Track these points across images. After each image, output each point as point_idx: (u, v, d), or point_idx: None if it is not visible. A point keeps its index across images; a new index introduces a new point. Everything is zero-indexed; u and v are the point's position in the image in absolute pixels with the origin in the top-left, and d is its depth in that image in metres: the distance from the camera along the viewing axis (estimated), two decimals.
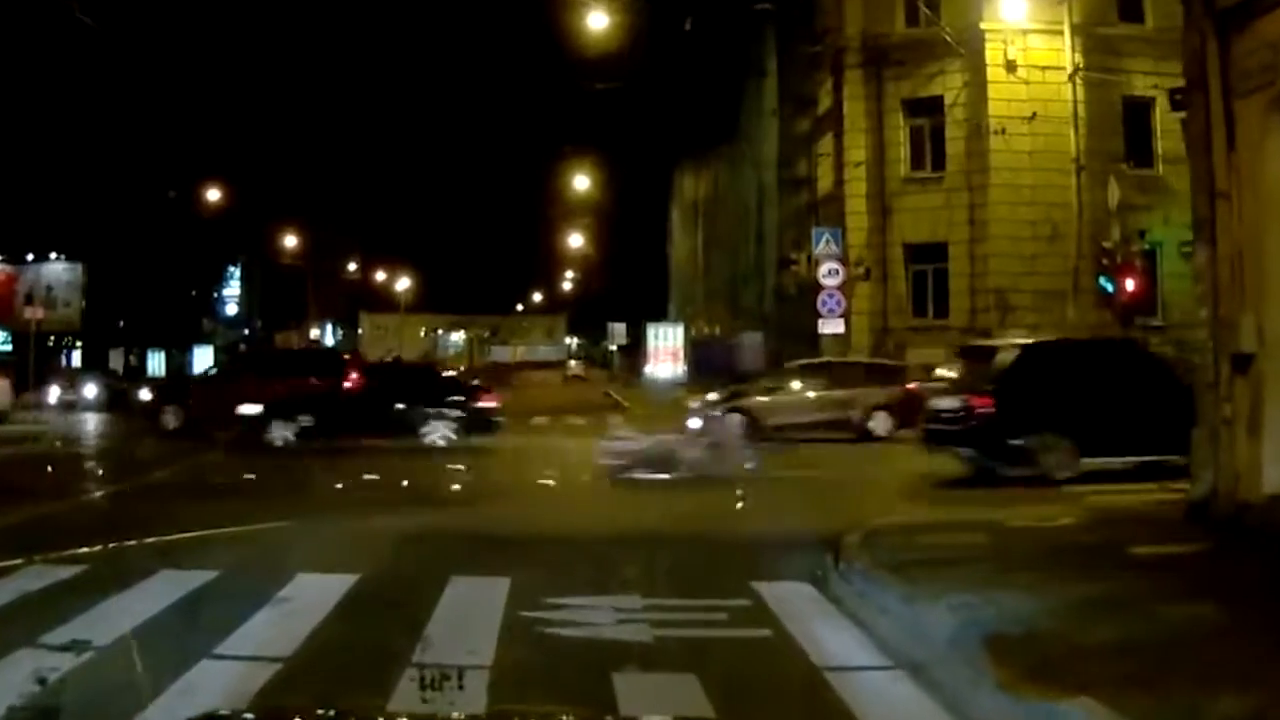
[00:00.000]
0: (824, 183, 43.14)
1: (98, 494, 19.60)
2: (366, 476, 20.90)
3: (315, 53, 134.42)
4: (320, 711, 3.88)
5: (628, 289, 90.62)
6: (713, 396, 31.45)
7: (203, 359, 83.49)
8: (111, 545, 12.75)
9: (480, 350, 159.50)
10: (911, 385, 30.39)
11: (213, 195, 75.10)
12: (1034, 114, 37.26)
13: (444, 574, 11.15)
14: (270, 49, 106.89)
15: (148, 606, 9.78)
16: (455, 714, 7.06)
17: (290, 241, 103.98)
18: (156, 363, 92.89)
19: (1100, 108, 37.70)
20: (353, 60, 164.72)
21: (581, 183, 68.94)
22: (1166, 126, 36.22)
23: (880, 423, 29.94)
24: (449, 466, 22.96)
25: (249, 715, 5.12)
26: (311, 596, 10.32)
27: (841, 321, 38.12)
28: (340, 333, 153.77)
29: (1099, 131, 37.54)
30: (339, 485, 20.04)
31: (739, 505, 16.88)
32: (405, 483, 20.58)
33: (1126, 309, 33.77)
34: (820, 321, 37.82)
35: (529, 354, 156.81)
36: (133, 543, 13.01)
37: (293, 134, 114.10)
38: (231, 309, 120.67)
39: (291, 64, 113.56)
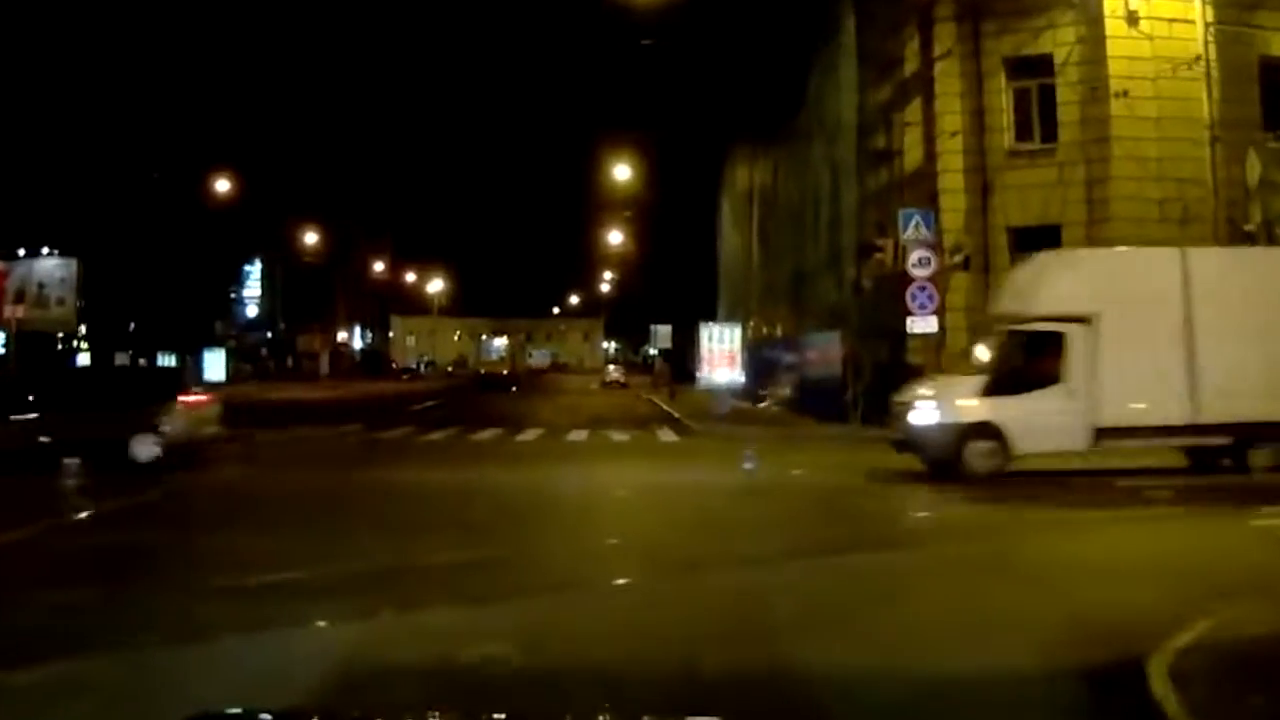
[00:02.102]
0: (911, 157, 37.99)
1: None
2: None
3: (337, 38, 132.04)
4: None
5: (671, 289, 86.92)
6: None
7: (214, 364, 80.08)
8: None
9: (521, 355, 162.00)
10: None
11: (222, 186, 71.41)
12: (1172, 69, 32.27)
13: None
14: (289, 31, 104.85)
15: None
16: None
17: (311, 239, 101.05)
18: None
19: (1236, 68, 32.92)
20: (377, 45, 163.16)
21: (622, 173, 65.33)
22: None
23: None
24: None
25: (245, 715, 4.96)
26: None
27: (934, 319, 33.32)
28: (370, 336, 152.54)
29: (1235, 96, 32.78)
30: None
31: None
32: None
33: None
34: (909, 319, 33.16)
35: (538, 359, 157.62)
36: None
37: (311, 123, 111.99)
38: (252, 310, 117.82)
39: (311, 49, 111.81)
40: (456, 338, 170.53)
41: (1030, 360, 22.14)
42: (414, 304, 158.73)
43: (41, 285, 60.97)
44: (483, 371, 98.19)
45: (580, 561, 13.79)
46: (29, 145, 57.53)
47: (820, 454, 27.52)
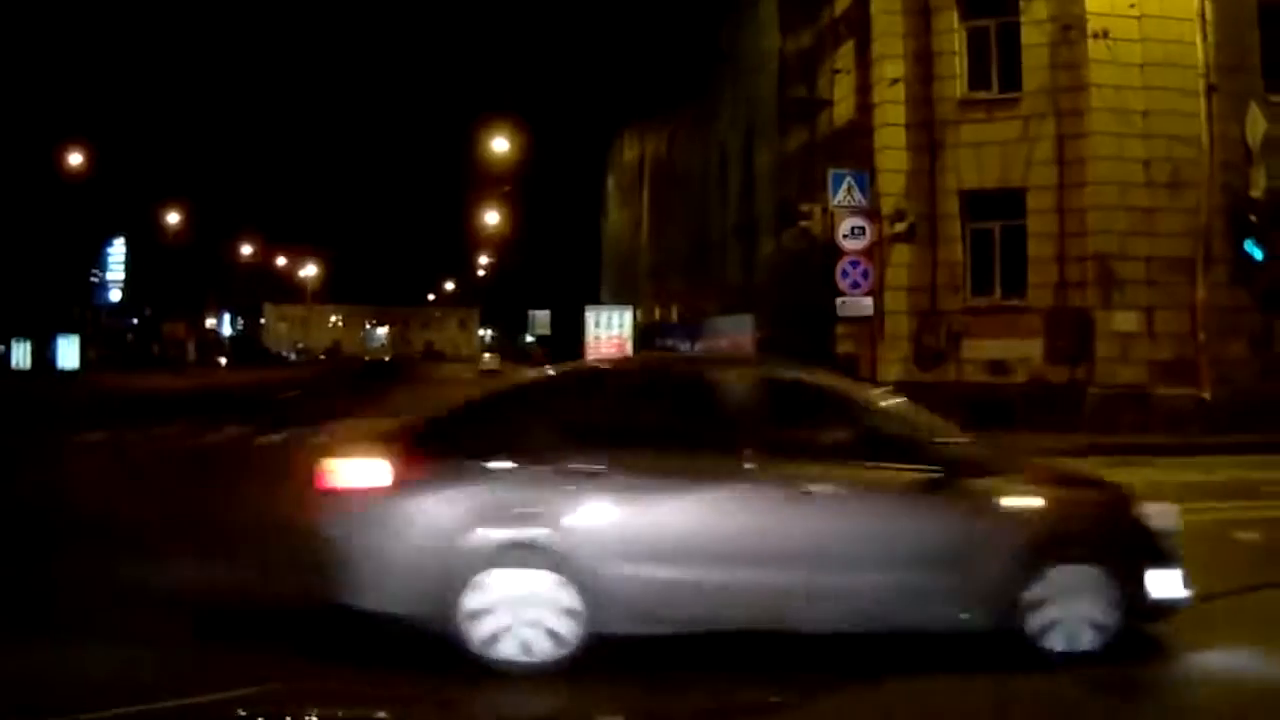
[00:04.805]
0: (843, 109, 32.58)
1: None
2: None
3: (204, 11, 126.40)
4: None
5: (552, 273, 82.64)
6: None
7: (68, 351, 73.70)
8: None
9: (398, 343, 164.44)
10: None
11: (75, 159, 66.73)
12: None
13: None
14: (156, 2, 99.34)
15: None
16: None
17: (175, 219, 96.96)
18: (21, 354, 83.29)
19: (1234, 11, 27.89)
20: (245, 19, 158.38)
21: (500, 146, 61.14)
22: None
23: None
24: None
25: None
26: None
27: (869, 300, 28.66)
28: (242, 323, 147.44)
29: (1233, 42, 27.73)
30: None
31: None
32: None
33: (1275, 284, 26.37)
34: (839, 300, 28.59)
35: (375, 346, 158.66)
36: None
37: (176, 99, 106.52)
38: (115, 295, 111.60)
39: (176, 22, 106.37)
40: (330, 324, 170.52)
41: None
42: (287, 291, 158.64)
43: None
44: (366, 359, 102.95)
45: None
46: None
47: None
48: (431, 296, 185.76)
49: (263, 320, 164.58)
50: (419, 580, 8.05)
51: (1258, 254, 25.89)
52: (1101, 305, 27.20)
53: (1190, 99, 27.13)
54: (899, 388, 28.22)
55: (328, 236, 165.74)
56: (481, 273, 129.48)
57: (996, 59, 29.30)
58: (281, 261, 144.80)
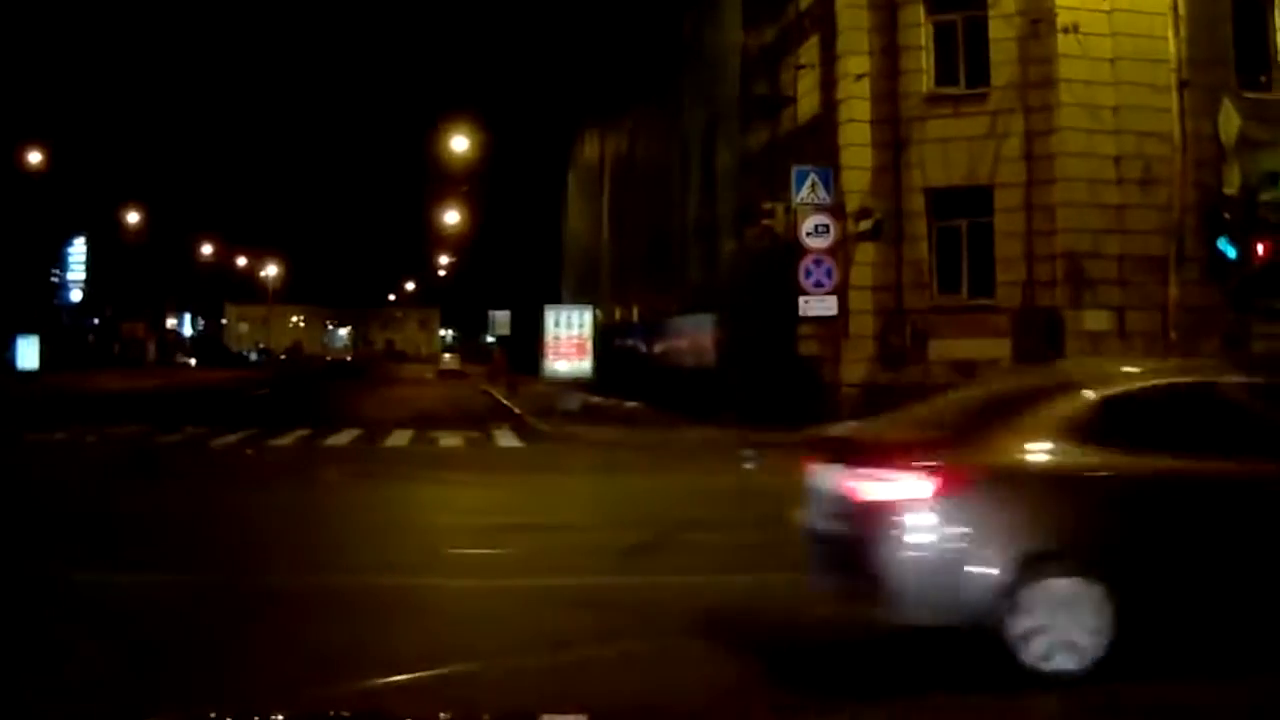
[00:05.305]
0: (807, 105, 31.76)
1: None
2: None
3: (163, 11, 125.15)
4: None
5: (513, 273, 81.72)
6: None
7: (28, 351, 72.91)
8: None
9: (359, 343, 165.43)
10: None
11: (34, 158, 66.41)
12: None
13: None
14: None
15: None
16: (443, 714, 7.04)
17: (135, 218, 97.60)
18: None
19: (1207, 3, 27.30)
20: (203, 21, 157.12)
21: (460, 145, 60.71)
22: None
23: None
24: None
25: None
26: None
27: (833, 299, 27.84)
28: (202, 323, 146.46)
29: (1205, 37, 27.15)
30: None
31: None
32: None
33: (1249, 283, 24.89)
34: (802, 300, 27.76)
35: (337, 346, 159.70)
36: None
37: (136, 100, 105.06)
38: (76, 295, 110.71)
39: (135, 23, 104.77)
40: (292, 324, 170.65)
41: None
42: (248, 291, 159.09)
43: None
44: (329, 359, 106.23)
45: None
46: None
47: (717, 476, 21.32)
48: (392, 296, 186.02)
49: (224, 320, 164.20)
50: (965, 592, 7.89)
51: (1231, 252, 25.00)
52: (1071, 304, 26.57)
53: (1162, 94, 26.62)
54: (863, 389, 27.89)
55: (288, 236, 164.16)
56: (442, 272, 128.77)
57: (964, 54, 28.61)
58: (242, 261, 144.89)
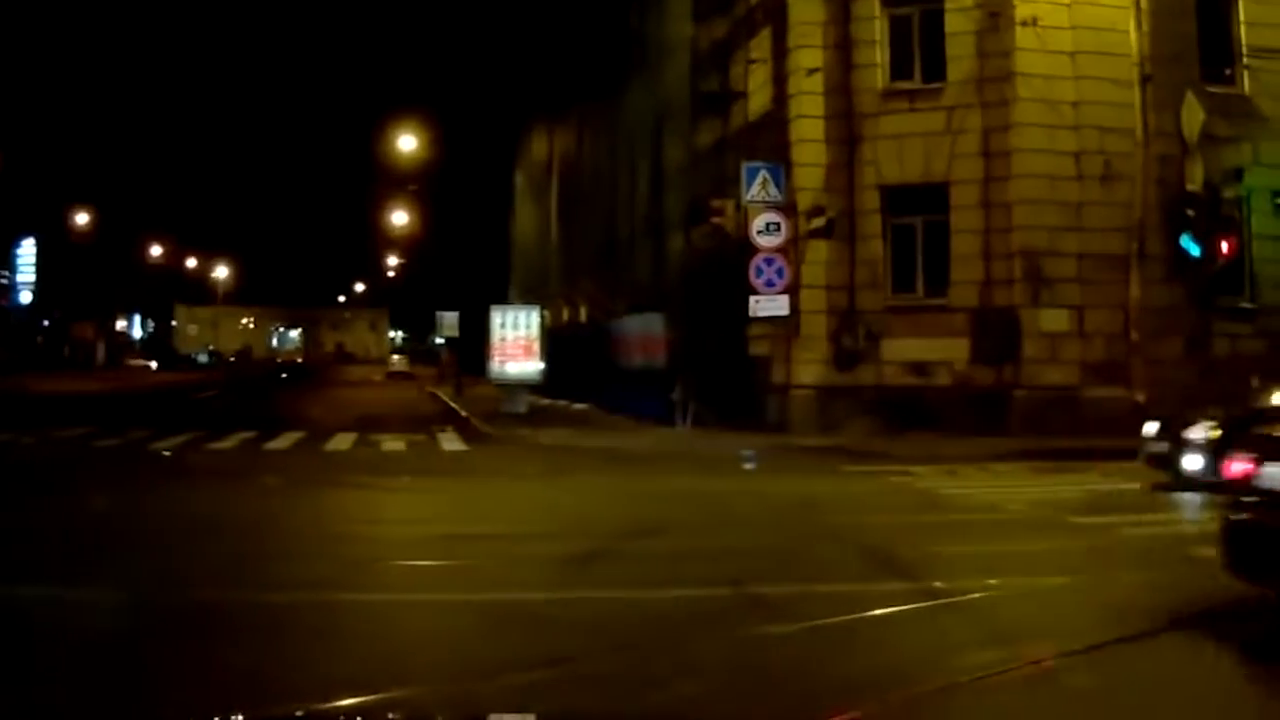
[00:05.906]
0: (757, 100, 30.98)
1: None
2: None
3: (109, 11, 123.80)
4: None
5: (461, 273, 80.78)
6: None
7: None
8: None
9: (309, 344, 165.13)
10: None
11: None
12: None
13: None
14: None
15: None
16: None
17: (84, 219, 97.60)
18: None
19: None
20: (149, 21, 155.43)
21: (408, 144, 59.93)
22: (1254, 18, 27.41)
23: None
24: None
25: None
26: None
27: (785, 299, 27.25)
28: (152, 325, 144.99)
29: (1168, 31, 26.52)
30: None
31: None
32: None
33: (1212, 281, 25.67)
34: (753, 299, 27.25)
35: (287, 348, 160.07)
36: None
37: (77, 95, 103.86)
38: (26, 296, 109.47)
39: (80, 23, 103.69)
40: (242, 326, 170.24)
41: None
42: (197, 292, 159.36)
43: None
44: (279, 360, 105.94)
45: None
46: None
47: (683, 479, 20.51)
48: (342, 298, 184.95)
49: (174, 322, 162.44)
50: None
51: (1194, 250, 24.74)
52: (1029, 304, 26.00)
53: (1123, 89, 25.95)
54: (815, 391, 27.15)
55: (239, 238, 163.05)
56: (391, 273, 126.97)
57: (919, 48, 27.94)
58: (192, 263, 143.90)
